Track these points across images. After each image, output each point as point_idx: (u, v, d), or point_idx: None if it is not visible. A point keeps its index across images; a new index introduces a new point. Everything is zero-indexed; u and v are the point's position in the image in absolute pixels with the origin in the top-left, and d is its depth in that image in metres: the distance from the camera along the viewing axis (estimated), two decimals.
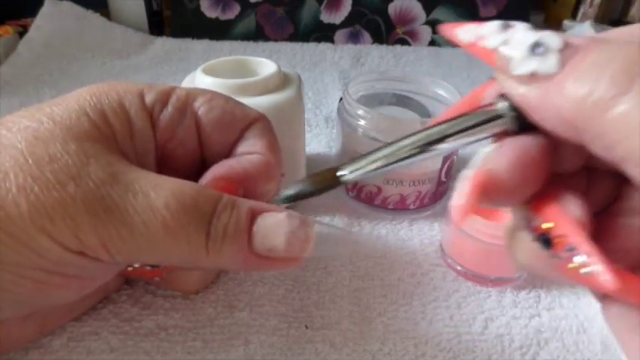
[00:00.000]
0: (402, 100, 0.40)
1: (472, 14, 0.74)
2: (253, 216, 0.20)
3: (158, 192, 0.19)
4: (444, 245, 0.32)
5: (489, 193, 0.15)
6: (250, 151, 0.24)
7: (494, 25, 0.16)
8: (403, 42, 0.75)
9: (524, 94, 0.15)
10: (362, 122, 0.34)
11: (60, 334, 0.25)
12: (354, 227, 0.35)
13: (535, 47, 0.14)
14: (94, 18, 0.70)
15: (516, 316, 0.29)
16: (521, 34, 0.15)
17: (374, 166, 0.18)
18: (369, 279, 0.31)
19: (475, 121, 0.16)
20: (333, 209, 0.37)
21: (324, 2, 0.74)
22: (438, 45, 0.75)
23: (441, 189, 0.37)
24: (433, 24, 0.75)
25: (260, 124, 0.25)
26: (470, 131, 0.16)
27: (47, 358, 0.24)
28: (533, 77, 0.14)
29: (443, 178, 0.36)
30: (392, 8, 0.74)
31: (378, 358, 0.26)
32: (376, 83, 0.40)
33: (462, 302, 0.29)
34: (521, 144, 0.15)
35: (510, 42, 0.15)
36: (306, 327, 0.27)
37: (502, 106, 0.16)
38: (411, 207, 0.36)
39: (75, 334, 0.26)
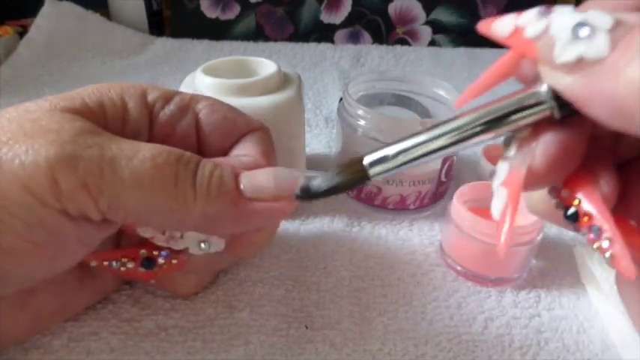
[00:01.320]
0: (402, 100, 0.40)
1: (472, 14, 0.74)
2: (237, 172, 0.20)
3: (145, 143, 0.19)
4: (444, 245, 0.32)
5: (528, 189, 0.15)
6: (243, 154, 0.24)
7: (534, 11, 0.14)
8: (403, 42, 0.75)
9: (571, 85, 0.13)
10: (362, 122, 0.34)
11: (60, 334, 0.25)
12: (354, 227, 0.35)
13: (579, 29, 0.12)
14: (94, 18, 0.70)
15: (516, 316, 0.29)
16: (564, 17, 0.13)
17: (404, 159, 0.16)
18: (369, 279, 0.31)
19: (513, 107, 0.14)
20: (332, 209, 0.37)
21: (324, 2, 0.74)
22: (438, 45, 0.75)
23: (441, 189, 0.37)
24: (433, 24, 0.75)
25: (259, 133, 0.25)
26: (508, 119, 0.15)
27: (47, 358, 0.24)
28: (580, 64, 0.12)
29: (443, 178, 0.36)
30: (392, 8, 0.74)
31: (378, 358, 0.26)
32: (376, 83, 0.40)
33: (462, 302, 0.29)
34: (562, 135, 0.14)
35: (552, 27, 0.13)
36: (306, 327, 0.27)
37: (544, 90, 0.14)
38: (411, 207, 0.36)
39: (75, 334, 0.26)
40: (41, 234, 0.18)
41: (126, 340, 0.26)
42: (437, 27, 0.75)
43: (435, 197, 0.36)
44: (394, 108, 0.39)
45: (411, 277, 0.31)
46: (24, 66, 0.60)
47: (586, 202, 0.14)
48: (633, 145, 0.16)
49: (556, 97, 0.14)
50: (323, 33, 0.75)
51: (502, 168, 0.15)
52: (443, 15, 0.74)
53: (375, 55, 0.70)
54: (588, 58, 0.12)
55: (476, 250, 0.30)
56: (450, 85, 0.38)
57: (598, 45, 0.12)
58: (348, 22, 0.75)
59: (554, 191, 0.15)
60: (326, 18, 0.75)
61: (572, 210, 0.15)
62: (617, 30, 0.12)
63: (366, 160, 0.17)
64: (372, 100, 0.39)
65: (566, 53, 0.13)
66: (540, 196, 0.16)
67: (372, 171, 0.17)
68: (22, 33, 0.65)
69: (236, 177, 0.20)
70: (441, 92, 0.38)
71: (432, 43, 0.76)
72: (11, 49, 0.62)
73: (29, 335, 0.25)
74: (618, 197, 0.15)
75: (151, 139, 0.23)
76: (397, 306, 0.29)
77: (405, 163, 0.17)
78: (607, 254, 0.14)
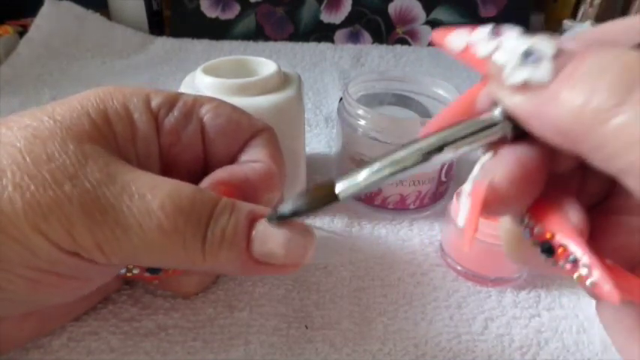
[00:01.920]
0: (402, 100, 0.40)
1: (472, 14, 0.74)
2: (252, 220, 0.20)
3: (155, 193, 0.19)
4: (444, 245, 0.32)
5: (491, 206, 0.15)
6: (253, 160, 0.24)
7: (485, 31, 0.15)
8: (403, 42, 0.75)
9: (517, 105, 0.14)
10: (362, 122, 0.34)
11: (60, 334, 0.25)
12: (354, 227, 0.35)
13: (527, 55, 0.14)
14: (94, 18, 0.70)
15: (516, 316, 0.29)
16: (513, 40, 0.14)
17: (371, 180, 0.17)
18: (369, 279, 0.31)
19: (471, 129, 0.16)
20: (333, 209, 0.37)
21: (324, 2, 0.74)
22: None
23: (441, 189, 0.37)
24: (433, 24, 0.75)
25: (265, 135, 0.25)
26: (467, 139, 0.16)
27: (47, 358, 0.24)
28: (526, 86, 0.14)
29: (443, 178, 0.36)
30: (392, 8, 0.74)
31: (378, 358, 0.26)
32: (376, 83, 0.40)
33: (462, 302, 0.29)
34: (520, 153, 0.15)
35: (501, 49, 0.14)
36: (306, 327, 0.27)
37: (497, 113, 0.16)
38: (411, 207, 0.36)
39: (75, 334, 0.26)
40: (65, 270, 0.19)
41: (126, 340, 0.26)
42: (437, 27, 0.75)
43: (435, 197, 0.36)
44: (394, 108, 0.39)
45: (411, 277, 0.31)
46: (24, 66, 0.60)
47: (559, 233, 0.15)
48: (597, 188, 0.17)
49: (509, 118, 0.15)
50: (323, 33, 0.75)
51: (468, 185, 0.16)
52: (443, 15, 0.74)
53: (375, 55, 0.70)
54: (533, 82, 0.14)
55: (476, 250, 0.30)
56: (450, 85, 0.38)
57: (542, 71, 0.14)
58: (348, 22, 0.75)
59: (529, 230, 0.16)
60: (326, 18, 0.75)
61: (547, 245, 0.15)
62: (559, 58, 0.13)
63: (338, 188, 0.18)
64: (372, 100, 0.39)
65: (514, 76, 0.14)
66: (517, 241, 0.17)
67: (341, 194, 0.18)
68: (22, 32, 0.65)
69: (249, 233, 0.20)
70: (441, 92, 0.38)
71: (432, 43, 0.75)
72: (11, 48, 0.62)
73: (32, 339, 0.25)
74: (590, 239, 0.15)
75: (158, 150, 0.23)
76: (397, 306, 0.29)
77: (373, 184, 0.17)
78: (588, 282, 0.14)
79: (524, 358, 0.26)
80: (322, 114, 0.54)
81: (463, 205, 0.16)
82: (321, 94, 0.59)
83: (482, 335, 0.27)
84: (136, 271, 0.24)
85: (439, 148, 0.16)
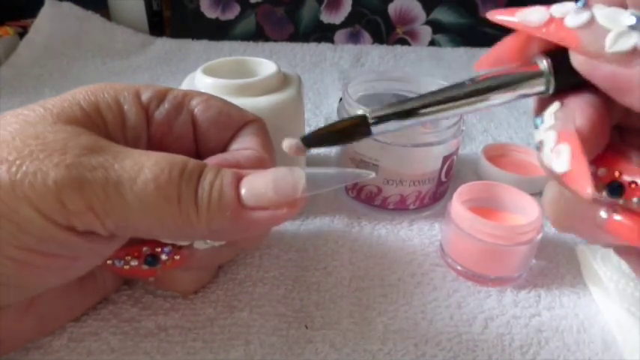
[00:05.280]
0: None
1: (472, 14, 0.74)
2: (238, 179, 0.20)
3: (148, 155, 0.19)
4: (444, 245, 0.32)
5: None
6: (244, 148, 0.25)
7: (571, 4, 0.15)
8: (403, 42, 0.75)
9: (615, 73, 0.14)
10: None
11: (60, 335, 0.25)
12: (354, 227, 0.35)
13: (633, 21, 0.14)
14: (94, 18, 0.70)
15: (517, 315, 0.28)
16: (606, 10, 0.14)
17: (403, 108, 0.18)
18: (369, 279, 0.31)
19: (517, 78, 0.17)
20: (333, 209, 0.37)
21: (324, 2, 0.74)
22: (438, 45, 0.76)
23: (441, 189, 0.37)
24: (433, 24, 0.75)
25: (255, 125, 0.26)
26: (512, 87, 0.17)
27: (47, 358, 0.24)
28: (634, 53, 0.13)
29: (443, 178, 0.36)
30: (392, 8, 0.74)
31: (378, 358, 0.26)
32: (376, 83, 0.40)
33: (462, 302, 0.29)
34: (591, 102, 0.15)
35: (598, 19, 0.14)
36: (306, 327, 0.27)
37: (544, 67, 0.16)
38: (411, 207, 0.36)
39: (75, 334, 0.26)
40: (54, 247, 0.19)
41: (126, 340, 0.26)
42: (437, 27, 0.75)
43: (435, 197, 0.36)
44: None
45: (411, 277, 0.31)
46: (24, 66, 0.60)
47: (627, 172, 0.15)
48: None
49: (555, 72, 0.16)
50: (323, 33, 0.75)
51: (548, 138, 0.16)
52: (443, 15, 0.74)
53: (375, 55, 0.70)
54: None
55: (476, 250, 0.30)
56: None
57: None
58: (348, 22, 0.75)
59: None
60: (326, 18, 0.75)
61: (616, 183, 0.15)
62: None
63: (371, 114, 0.18)
64: (371, 100, 0.39)
65: (620, 43, 0.14)
66: (564, 208, 0.17)
67: (371, 113, 0.18)
68: (23, 33, 0.65)
69: (237, 185, 0.20)
70: None
71: (432, 43, 0.76)
72: (11, 49, 0.62)
73: (34, 339, 0.25)
74: None
75: (149, 140, 0.24)
76: (397, 306, 0.29)
77: (405, 113, 0.18)
78: None
79: (525, 357, 0.26)
80: (322, 114, 0.54)
81: (559, 150, 0.15)
82: (321, 94, 0.59)
83: (482, 335, 0.27)
84: (134, 263, 0.24)
85: (484, 92, 0.17)
